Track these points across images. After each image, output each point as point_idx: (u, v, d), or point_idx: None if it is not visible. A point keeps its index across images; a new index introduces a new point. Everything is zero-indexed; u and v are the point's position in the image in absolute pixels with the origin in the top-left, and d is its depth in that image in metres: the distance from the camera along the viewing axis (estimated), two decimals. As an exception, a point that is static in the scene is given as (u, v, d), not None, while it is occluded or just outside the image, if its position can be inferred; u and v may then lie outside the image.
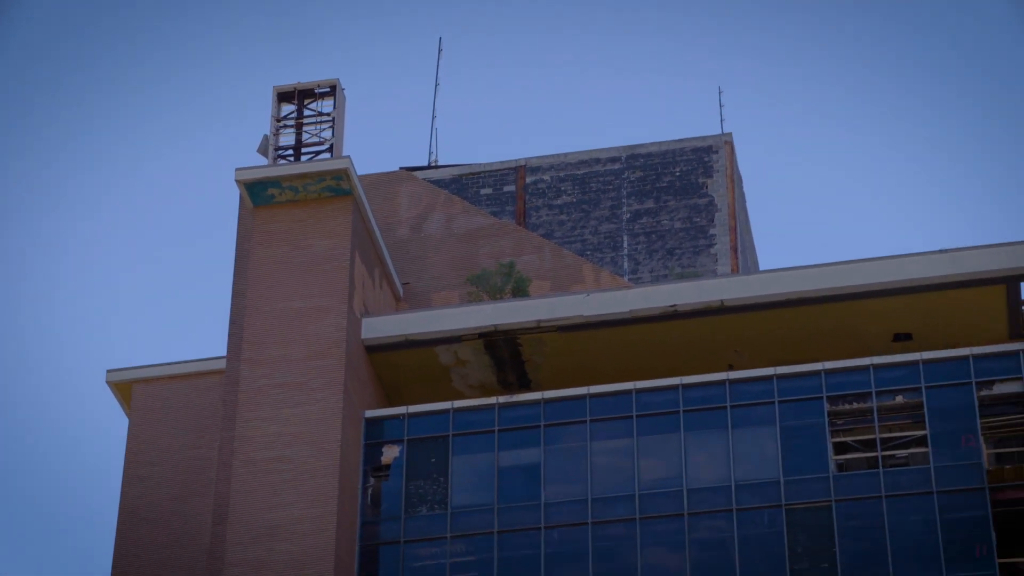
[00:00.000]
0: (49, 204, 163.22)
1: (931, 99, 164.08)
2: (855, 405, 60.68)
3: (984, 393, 59.57)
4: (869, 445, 60.02)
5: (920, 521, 57.98)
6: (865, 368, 60.85)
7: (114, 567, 64.20)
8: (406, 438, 63.36)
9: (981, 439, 58.77)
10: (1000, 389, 59.66)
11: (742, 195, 76.68)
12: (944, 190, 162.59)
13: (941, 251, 62.26)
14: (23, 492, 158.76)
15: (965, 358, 60.14)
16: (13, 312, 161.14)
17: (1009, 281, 61.41)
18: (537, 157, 75.95)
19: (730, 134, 74.92)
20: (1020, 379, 59.55)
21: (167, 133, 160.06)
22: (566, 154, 75.82)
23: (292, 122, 67.99)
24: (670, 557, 59.99)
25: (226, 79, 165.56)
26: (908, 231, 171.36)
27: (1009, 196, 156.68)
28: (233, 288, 65.56)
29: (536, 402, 63.12)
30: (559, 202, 74.61)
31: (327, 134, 67.37)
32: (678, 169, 74.04)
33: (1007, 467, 58.75)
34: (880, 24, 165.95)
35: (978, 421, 58.96)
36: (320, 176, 64.84)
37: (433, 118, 78.58)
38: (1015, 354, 60.02)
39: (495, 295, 68.06)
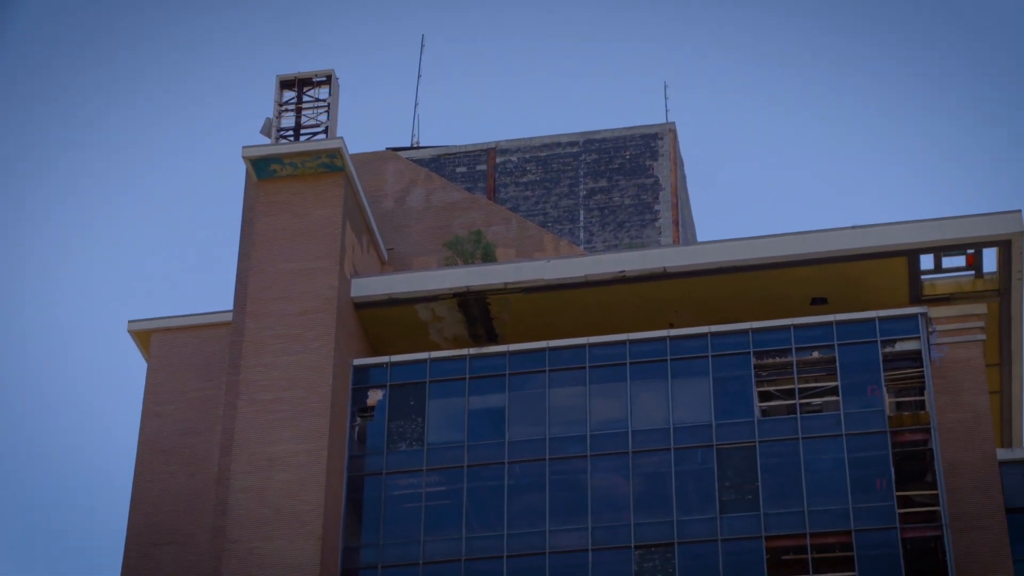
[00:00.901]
0: (84, 180, 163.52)
1: (852, 91, 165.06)
2: (777, 359, 61.61)
3: (887, 350, 60.69)
4: (788, 394, 61.06)
5: (831, 459, 58.96)
6: (786, 328, 61.83)
7: (133, 492, 64.44)
8: (389, 383, 63.92)
9: (884, 389, 59.83)
10: (901, 347, 60.80)
11: (683, 176, 76.89)
12: (864, 170, 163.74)
13: (852, 227, 63.14)
14: (55, 425, 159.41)
15: (872, 320, 61.23)
16: (49, 272, 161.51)
17: (910, 254, 62.25)
18: (506, 141, 76.26)
19: (673, 123, 75.33)
20: (917, 338, 60.57)
21: (185, 118, 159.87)
22: (531, 139, 76.19)
23: (292, 107, 68.14)
24: (616, 489, 60.62)
25: (233, 69, 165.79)
26: (829, 208, 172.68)
27: (923, 174, 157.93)
28: (239, 251, 65.87)
29: (502, 354, 63.78)
30: (524, 180, 74.81)
31: (323, 118, 67.63)
32: (628, 153, 74.33)
33: (905, 414, 59.92)
34: (812, 26, 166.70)
35: (882, 374, 60.05)
36: (316, 154, 65.28)
37: (416, 105, 78.70)
38: (914, 317, 60.97)
39: (467, 260, 68.49)
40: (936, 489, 58.23)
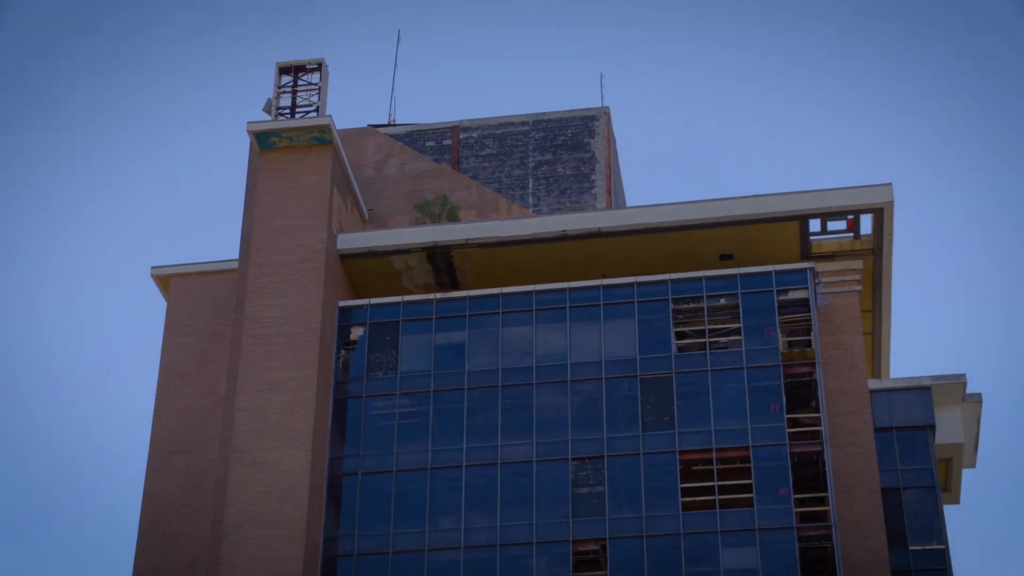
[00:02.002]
0: (113, 152, 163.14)
1: (759, 79, 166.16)
2: (691, 305, 62.66)
3: (781, 298, 61.84)
4: (700, 334, 62.14)
5: (734, 388, 60.30)
6: (699, 279, 62.88)
7: (155, 411, 65.24)
8: (368, 322, 64.58)
9: (778, 331, 61.10)
10: (792, 296, 61.91)
11: (615, 152, 77.10)
12: (765, 145, 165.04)
13: (754, 196, 63.88)
14: (84, 356, 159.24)
15: (768, 273, 62.28)
16: (82, 224, 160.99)
17: (801, 218, 63.05)
18: (468, 120, 76.33)
19: (608, 107, 75.54)
20: (806, 289, 61.66)
21: (198, 99, 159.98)
22: (489, 118, 76.25)
23: (289, 89, 68.07)
24: (557, 411, 61.59)
25: (238, 56, 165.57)
26: (737, 179, 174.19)
27: (816, 149, 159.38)
28: (244, 209, 66.14)
29: (463, 298, 64.69)
30: (483, 153, 74.89)
31: (314, 99, 67.64)
32: (570, 132, 74.53)
33: (795, 350, 61.39)
34: (725, 26, 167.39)
35: (776, 318, 61.33)
36: (309, 130, 65.76)
37: (392, 89, 78.54)
38: (803, 271, 62.18)
39: (435, 220, 68.70)
40: (819, 413, 59.45)
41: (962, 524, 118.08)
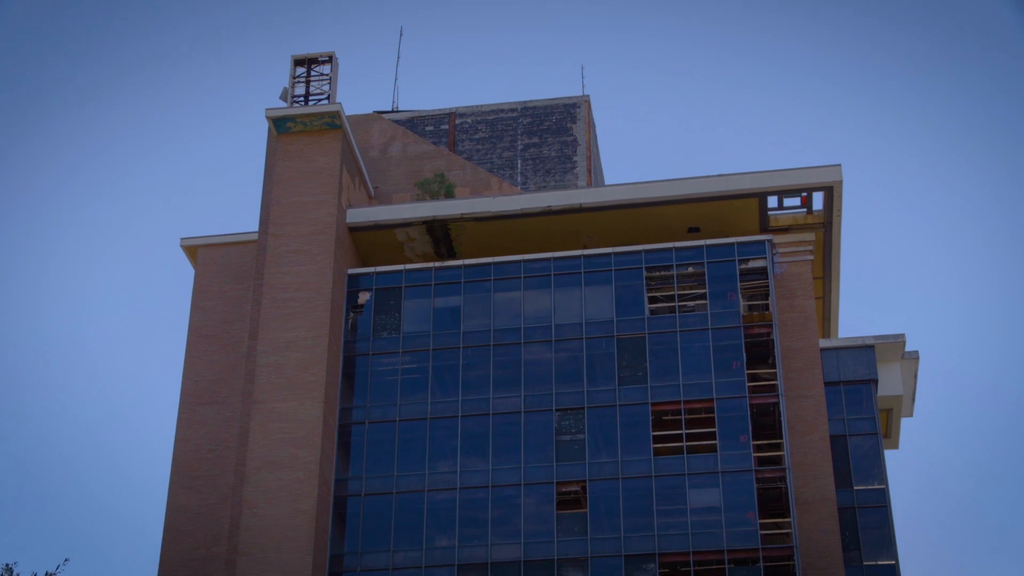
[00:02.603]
0: (143, 135, 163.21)
1: (726, 71, 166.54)
2: (662, 273, 63.08)
3: (742, 267, 62.38)
4: (670, 299, 62.61)
5: (700, 346, 60.85)
6: (669, 250, 63.38)
7: (185, 366, 65.42)
8: (374, 287, 64.91)
9: (739, 295, 61.70)
10: (752, 264, 62.49)
11: (595, 136, 77.36)
12: (732, 129, 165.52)
13: (719, 175, 64.26)
14: (125, 316, 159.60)
15: (731, 244, 62.92)
16: (116, 201, 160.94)
17: (759, 196, 63.49)
18: (463, 107, 76.37)
19: (588, 96, 75.53)
20: (764, 258, 62.25)
21: (222, 89, 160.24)
22: (482, 105, 76.31)
23: (303, 79, 68.10)
24: (543, 366, 62.02)
25: (256, 50, 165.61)
26: (705, 159, 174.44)
27: (775, 131, 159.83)
28: (263, 187, 66.27)
29: (459, 267, 64.87)
30: (476, 137, 74.94)
31: (326, 87, 67.70)
32: (554, 117, 74.66)
33: (754, 313, 61.92)
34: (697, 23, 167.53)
35: (738, 284, 61.88)
36: (321, 116, 65.81)
37: (396, 79, 78.52)
38: (762, 242, 62.77)
39: (433, 196, 68.71)
40: (775, 368, 60.25)
41: (900, 466, 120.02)
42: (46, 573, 24.52)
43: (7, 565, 25.48)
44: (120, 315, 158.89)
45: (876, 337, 64.27)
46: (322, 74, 68.21)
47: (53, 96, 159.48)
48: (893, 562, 58.94)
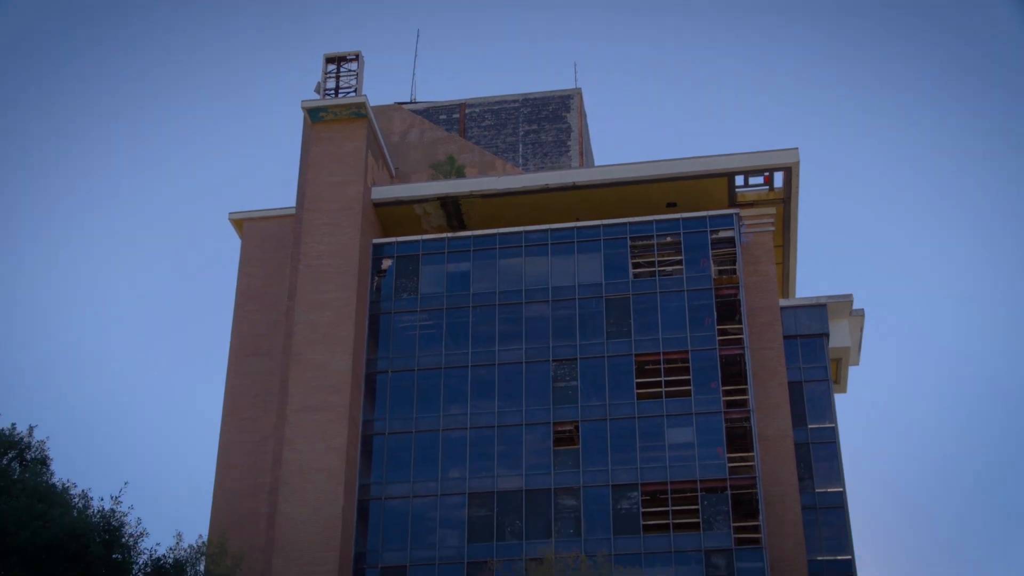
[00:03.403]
0: (194, 123, 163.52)
1: (704, 66, 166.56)
2: (644, 242, 63.31)
3: (713, 236, 62.70)
4: (651, 264, 62.74)
5: (676, 306, 61.05)
6: (650, 222, 63.63)
7: (233, 322, 66.11)
8: (395, 255, 65.14)
9: (711, 261, 61.93)
10: (722, 235, 62.89)
11: (586, 123, 77.53)
12: (705, 116, 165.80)
13: (693, 157, 64.51)
14: (178, 281, 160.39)
15: (704, 217, 63.22)
16: (168, 180, 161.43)
17: (728, 175, 63.90)
18: (472, 98, 76.64)
19: (580, 88, 75.68)
20: (732, 229, 62.61)
21: (260, 83, 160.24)
22: (488, 97, 76.52)
23: (333, 75, 67.99)
24: (541, 322, 62.04)
25: (293, 48, 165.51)
26: (682, 141, 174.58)
27: (743, 117, 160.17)
28: (300, 167, 66.81)
29: (469, 237, 65.08)
30: (484, 124, 75.07)
31: (353, 82, 67.69)
32: (551, 107, 74.88)
33: (723, 277, 62.11)
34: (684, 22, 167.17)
35: (710, 252, 62.14)
36: (349, 106, 66.20)
37: (413, 74, 78.79)
38: (730, 216, 63.11)
39: (446, 176, 69.22)
40: (741, 324, 60.60)
41: (848, 407, 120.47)
42: (112, 496, 25.36)
43: (83, 491, 26.35)
44: (174, 280, 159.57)
45: (828, 297, 64.54)
46: (350, 70, 68.22)
47: (125, 90, 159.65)
48: (841, 489, 59.53)
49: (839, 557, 57.85)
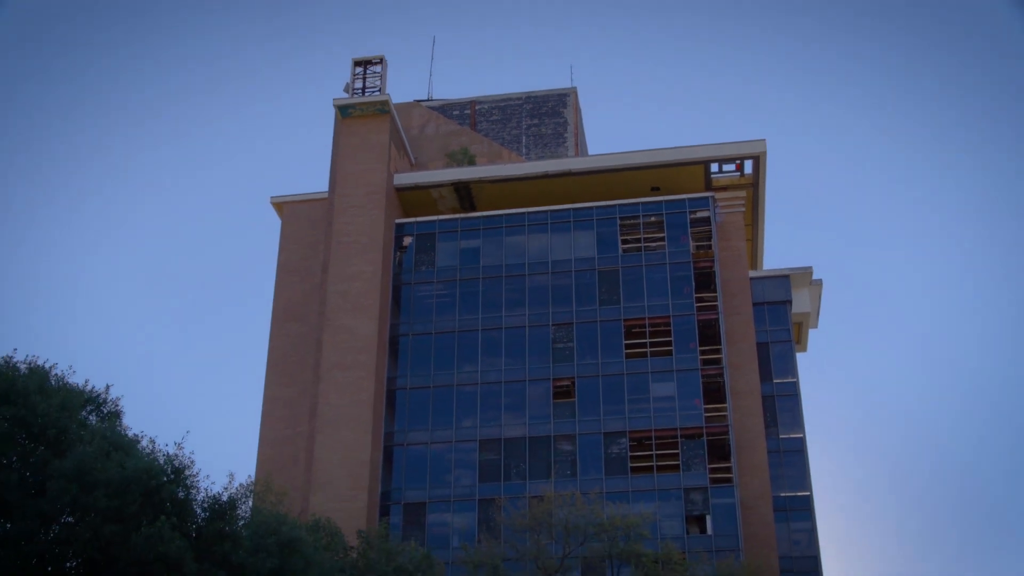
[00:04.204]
0: (244, 118, 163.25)
1: (690, 64, 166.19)
2: (631, 221, 63.24)
3: (692, 216, 62.72)
4: (637, 241, 62.65)
5: (660, 277, 61.14)
6: (637, 204, 63.55)
7: (275, 292, 65.96)
8: (415, 233, 65.26)
9: (690, 238, 61.99)
10: (699, 215, 62.90)
11: (581, 118, 77.40)
12: (686, 108, 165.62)
13: (675, 147, 64.57)
14: (224, 257, 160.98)
15: (683, 199, 63.27)
16: (217, 168, 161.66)
17: (705, 162, 64.00)
18: (481, 96, 76.27)
19: (576, 87, 75.31)
20: (708, 210, 62.67)
21: (300, 84, 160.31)
22: (495, 95, 76.11)
23: (361, 76, 68.00)
24: (542, 292, 61.97)
25: (324, 52, 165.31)
26: (664, 132, 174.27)
27: (718, 111, 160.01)
28: (331, 158, 66.48)
29: (479, 218, 65.12)
30: (492, 119, 74.60)
31: (378, 83, 67.71)
32: (550, 104, 74.55)
33: (700, 251, 62.06)
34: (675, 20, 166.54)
35: (688, 229, 62.20)
36: (374, 104, 66.33)
37: (430, 75, 78.06)
38: (706, 198, 63.09)
39: (459, 164, 68.92)
40: (716, 293, 60.61)
41: (808, 364, 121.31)
42: (175, 443, 26.02)
43: (151, 438, 27.02)
44: (221, 256, 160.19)
45: (790, 269, 64.73)
46: (375, 72, 68.33)
47: (175, 88, 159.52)
48: (801, 435, 59.97)
49: (799, 493, 58.18)
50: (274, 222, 71.03)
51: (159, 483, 23.80)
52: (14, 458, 24.64)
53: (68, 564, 23.61)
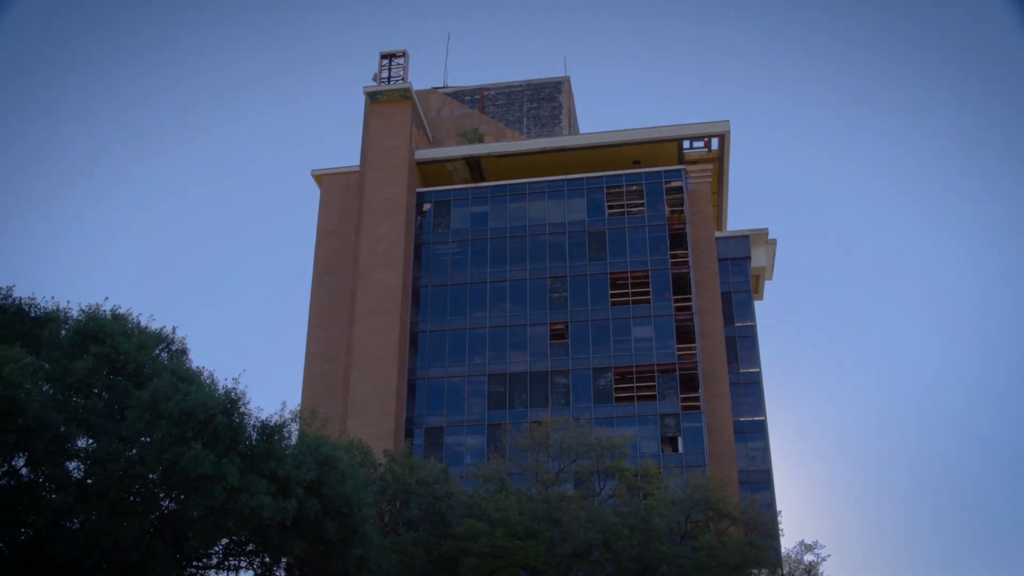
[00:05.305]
0: (286, 104, 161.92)
1: (663, 52, 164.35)
2: (616, 190, 62.65)
3: (667, 186, 62.18)
4: (621, 207, 62.04)
5: (641, 237, 60.42)
6: (620, 175, 63.05)
7: (316, 251, 65.88)
8: (433, 201, 64.77)
9: (665, 204, 61.58)
10: (673, 184, 62.35)
11: (574, 102, 76.52)
12: (663, 94, 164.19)
13: (652, 127, 64.10)
14: (273, 225, 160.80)
15: (660, 171, 62.77)
16: (263, 144, 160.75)
17: (678, 140, 63.66)
18: (489, 84, 75.33)
19: (569, 76, 74.55)
20: (680, 180, 62.12)
21: (333, 74, 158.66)
22: (500, 83, 75.17)
23: (387, 67, 67.41)
24: (541, 249, 61.57)
25: (359, 47, 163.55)
26: (645, 113, 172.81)
27: (690, 94, 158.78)
28: (362, 137, 66.04)
29: (487, 187, 64.65)
30: (498, 103, 73.92)
31: (401, 72, 67.17)
32: (547, 90, 73.91)
33: (674, 215, 61.04)
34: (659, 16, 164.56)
35: (664, 197, 61.75)
36: (399, 91, 65.87)
37: (445, 65, 77.68)
38: (679, 170, 62.61)
39: (470, 142, 68.43)
40: (687, 250, 60.39)
41: (764, 311, 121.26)
42: (232, 378, 26.38)
43: (210, 373, 27.28)
44: (269, 221, 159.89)
45: (750, 230, 64.64)
46: (398, 64, 67.80)
47: (224, 84, 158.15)
48: (758, 370, 60.09)
49: (755, 417, 58.48)
50: (314, 192, 70.72)
51: (214, 413, 24.06)
52: (101, 388, 25.20)
53: (151, 476, 24.10)
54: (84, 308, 27.32)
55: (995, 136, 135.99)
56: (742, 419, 57.80)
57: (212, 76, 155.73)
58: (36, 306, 27.30)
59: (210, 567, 28.52)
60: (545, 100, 73.86)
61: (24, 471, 23.80)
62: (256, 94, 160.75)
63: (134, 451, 24.64)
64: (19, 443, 22.49)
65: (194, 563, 27.79)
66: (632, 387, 56.87)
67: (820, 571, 37.57)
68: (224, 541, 27.29)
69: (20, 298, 27.01)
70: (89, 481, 23.97)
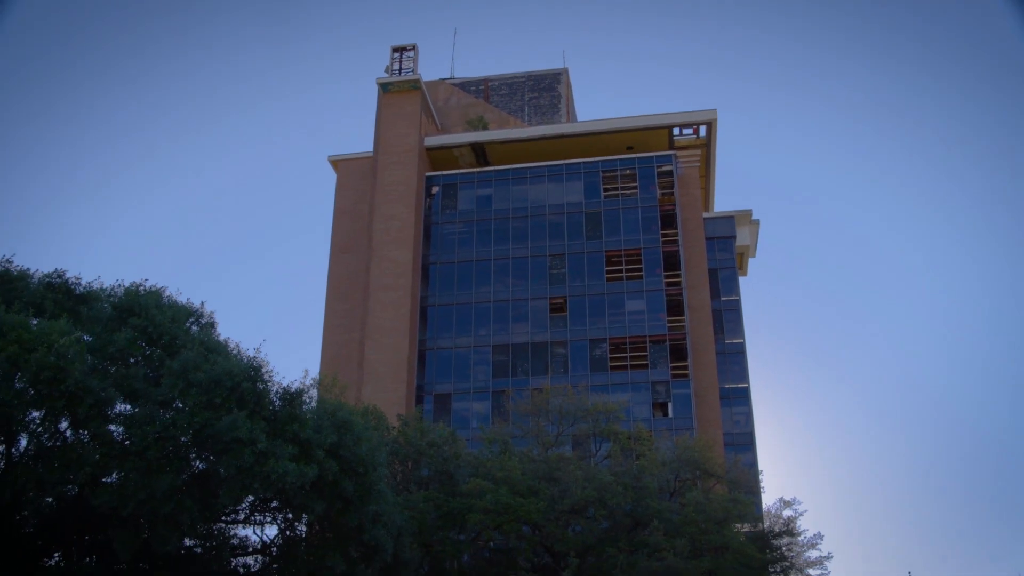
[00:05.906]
0: (307, 93, 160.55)
1: (658, 44, 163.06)
2: (611, 174, 62.50)
3: (659, 170, 62.10)
4: (616, 189, 62.01)
5: (635, 218, 59.89)
6: (615, 160, 62.88)
7: (332, 231, 65.26)
8: (441, 184, 64.61)
9: (656, 187, 61.53)
10: (664, 168, 62.18)
11: (572, 92, 76.39)
12: (659, 85, 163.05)
13: (644, 115, 63.68)
14: (293, 207, 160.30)
15: (652, 157, 62.68)
16: (281, 131, 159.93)
17: (668, 127, 63.43)
18: (493, 75, 75.24)
19: (567, 67, 74.49)
20: (671, 164, 61.95)
21: (348, 67, 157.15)
22: (504, 74, 75.06)
23: (398, 59, 67.09)
24: (540, 229, 61.39)
25: (370, 41, 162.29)
26: (638, 102, 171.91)
27: (680, 85, 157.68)
28: (375, 125, 65.77)
29: (491, 171, 64.47)
30: (501, 93, 73.75)
31: (411, 64, 66.82)
32: (547, 81, 73.72)
33: (664, 197, 61.02)
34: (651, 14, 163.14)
35: (655, 180, 61.69)
36: (409, 82, 65.64)
37: (452, 58, 79.20)
38: (670, 155, 62.54)
39: (476, 129, 68.16)
40: (677, 230, 60.25)
41: (748, 286, 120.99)
42: (255, 348, 26.58)
43: (236, 343, 27.40)
44: (289, 204, 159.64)
45: (735, 211, 64.43)
46: (409, 56, 67.43)
47: (240, 82, 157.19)
48: (742, 340, 60.11)
49: (739, 385, 58.61)
50: (331, 176, 70.81)
51: (240, 380, 24.26)
52: (139, 358, 25.53)
53: (183, 439, 24.33)
54: (126, 285, 27.81)
55: (975, 117, 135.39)
56: (727, 386, 57.89)
57: (236, 70, 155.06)
58: (80, 284, 27.82)
59: (237, 522, 28.85)
60: (545, 90, 73.60)
61: (69, 433, 24.22)
62: (275, 85, 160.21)
63: (168, 415, 24.85)
64: (65, 407, 22.95)
65: (222, 518, 28.16)
66: (625, 356, 56.90)
67: (797, 524, 38.01)
68: (250, 498, 27.60)
69: (69, 278, 27.66)
70: (127, 442, 24.29)
